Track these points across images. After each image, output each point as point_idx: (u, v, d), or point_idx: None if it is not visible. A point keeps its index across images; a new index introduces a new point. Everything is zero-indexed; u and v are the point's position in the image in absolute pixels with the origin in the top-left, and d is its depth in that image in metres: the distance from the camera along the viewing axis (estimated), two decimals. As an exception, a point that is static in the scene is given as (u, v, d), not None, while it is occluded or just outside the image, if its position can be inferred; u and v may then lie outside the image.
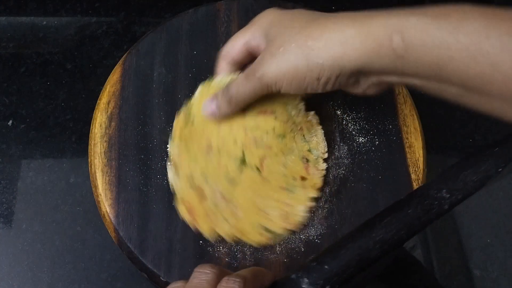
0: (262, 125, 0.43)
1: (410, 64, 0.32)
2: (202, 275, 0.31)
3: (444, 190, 0.33)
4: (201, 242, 0.42)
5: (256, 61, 0.38)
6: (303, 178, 0.43)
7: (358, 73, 0.35)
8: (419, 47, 0.31)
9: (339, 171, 0.45)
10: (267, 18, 0.39)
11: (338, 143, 0.46)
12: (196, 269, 0.32)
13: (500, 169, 0.33)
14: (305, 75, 0.35)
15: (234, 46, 0.41)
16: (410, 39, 0.31)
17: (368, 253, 0.32)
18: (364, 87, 0.36)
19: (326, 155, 0.45)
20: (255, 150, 0.43)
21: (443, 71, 0.31)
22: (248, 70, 0.38)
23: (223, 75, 0.43)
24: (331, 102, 0.48)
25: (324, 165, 0.44)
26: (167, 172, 0.44)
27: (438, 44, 0.30)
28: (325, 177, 0.45)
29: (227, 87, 0.40)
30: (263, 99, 0.41)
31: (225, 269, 0.32)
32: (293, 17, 0.37)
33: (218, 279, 0.31)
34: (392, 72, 0.33)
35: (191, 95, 0.45)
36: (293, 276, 0.31)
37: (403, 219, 0.32)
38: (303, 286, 0.31)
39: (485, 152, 0.34)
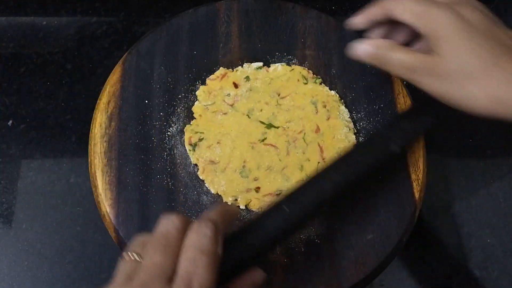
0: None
1: None
2: (169, 222, 0.31)
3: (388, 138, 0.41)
4: (201, 242, 0.42)
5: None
6: None
7: None
8: None
9: (339, 171, 0.45)
10: (444, 18, 0.38)
11: (338, 143, 0.46)
12: (161, 219, 0.31)
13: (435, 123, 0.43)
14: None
15: (378, 10, 0.41)
16: None
17: (323, 195, 0.38)
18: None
19: None
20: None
21: None
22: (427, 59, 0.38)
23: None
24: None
25: None
26: (167, 172, 0.44)
27: None
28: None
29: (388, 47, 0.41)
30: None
31: (189, 218, 0.33)
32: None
33: (185, 226, 0.31)
34: None
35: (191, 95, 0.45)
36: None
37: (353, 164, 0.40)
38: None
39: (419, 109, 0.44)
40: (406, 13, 0.39)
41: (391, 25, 0.43)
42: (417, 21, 0.39)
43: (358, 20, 0.43)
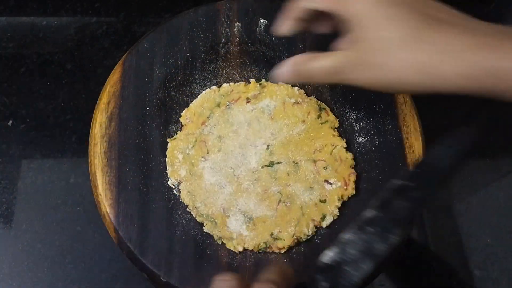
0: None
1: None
2: (223, 283, 0.30)
3: None
4: (200, 243, 0.42)
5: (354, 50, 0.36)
6: None
7: None
8: None
9: (339, 171, 0.45)
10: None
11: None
12: (216, 278, 0.30)
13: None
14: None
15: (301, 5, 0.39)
16: None
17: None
18: None
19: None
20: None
21: None
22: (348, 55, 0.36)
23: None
24: (332, 102, 0.48)
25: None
26: (167, 172, 0.44)
27: None
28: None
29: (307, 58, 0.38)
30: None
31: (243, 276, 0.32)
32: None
33: (241, 286, 0.30)
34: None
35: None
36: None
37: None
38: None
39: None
40: (323, 1, 0.37)
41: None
42: (334, 6, 0.37)
43: (284, 26, 0.40)
